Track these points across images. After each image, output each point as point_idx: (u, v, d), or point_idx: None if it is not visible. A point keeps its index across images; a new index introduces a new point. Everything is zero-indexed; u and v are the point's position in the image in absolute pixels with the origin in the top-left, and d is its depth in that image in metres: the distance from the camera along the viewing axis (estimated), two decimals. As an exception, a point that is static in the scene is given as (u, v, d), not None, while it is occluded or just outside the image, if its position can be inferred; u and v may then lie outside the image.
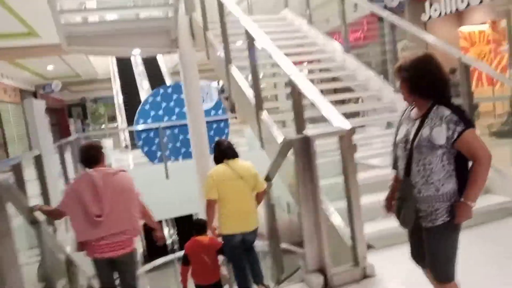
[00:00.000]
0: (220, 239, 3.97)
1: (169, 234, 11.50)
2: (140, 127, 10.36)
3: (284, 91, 7.01)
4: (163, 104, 10.59)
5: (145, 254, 9.78)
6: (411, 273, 2.47)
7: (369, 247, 3.11)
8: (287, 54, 4.22)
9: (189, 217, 9.48)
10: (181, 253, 5.47)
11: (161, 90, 10.83)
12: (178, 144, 10.35)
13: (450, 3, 9.30)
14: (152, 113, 10.52)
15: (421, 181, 2.12)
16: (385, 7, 9.22)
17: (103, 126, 25.86)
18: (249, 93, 4.73)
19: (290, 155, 3.17)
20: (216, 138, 4.21)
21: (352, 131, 2.92)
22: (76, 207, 3.13)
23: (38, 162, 4.78)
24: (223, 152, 3.87)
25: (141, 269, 7.60)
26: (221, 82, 17.40)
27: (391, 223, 2.47)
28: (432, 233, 2.13)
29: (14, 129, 15.73)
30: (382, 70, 5.96)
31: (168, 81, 14.78)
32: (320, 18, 8.33)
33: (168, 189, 8.33)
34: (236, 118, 14.40)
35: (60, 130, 23.47)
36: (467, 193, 2.05)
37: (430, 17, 9.88)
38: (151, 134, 10.18)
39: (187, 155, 9.78)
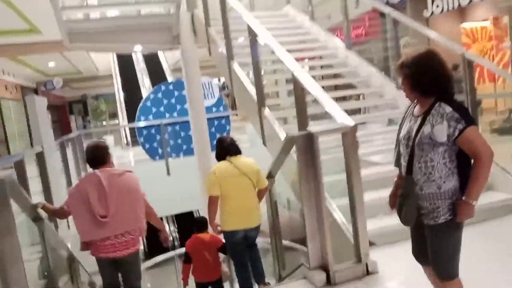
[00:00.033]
0: (222, 236, 3.98)
1: (169, 231, 11.51)
2: (142, 124, 10.37)
3: (285, 88, 7.01)
4: (165, 101, 10.58)
5: (146, 250, 9.79)
6: (413, 270, 2.47)
7: (370, 244, 3.11)
8: (289, 51, 4.21)
9: (190, 214, 9.50)
10: (181, 250, 5.48)
11: (163, 87, 10.82)
12: (179, 141, 10.35)
13: (453, -1, 9.28)
14: (154, 110, 10.52)
15: (422, 178, 2.11)
16: (387, 3, 9.18)
17: (104, 123, 25.86)
18: (251, 89, 4.72)
19: (293, 152, 3.16)
20: (218, 135, 4.21)
21: (356, 127, 2.91)
22: (81, 207, 3.13)
23: (40, 159, 4.79)
24: (226, 148, 3.87)
25: (141, 266, 7.61)
26: (221, 79, 17.42)
27: (392, 220, 2.46)
28: (434, 231, 2.12)
29: (15, 125, 15.75)
30: (384, 67, 5.94)
31: (169, 78, 14.76)
32: (322, 15, 8.31)
33: (169, 186, 8.34)
34: (236, 115, 14.39)
35: (61, 127, 23.50)
36: (468, 191, 2.04)
37: (432, 13, 9.84)
38: (153, 131, 10.18)
39: (188, 152, 9.79)
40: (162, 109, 10.56)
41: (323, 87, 3.56)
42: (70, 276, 4.17)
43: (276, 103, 6.41)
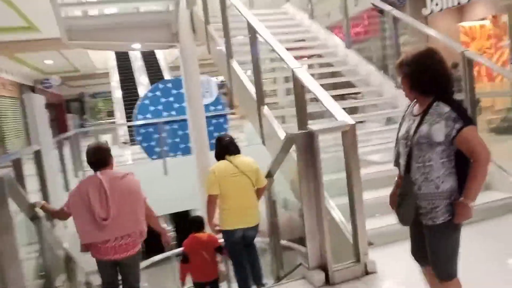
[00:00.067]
0: (220, 235, 3.96)
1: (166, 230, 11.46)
2: (139, 122, 10.33)
3: (283, 87, 6.99)
4: (163, 99, 10.55)
5: (143, 250, 9.77)
6: (412, 270, 2.46)
7: (369, 244, 3.10)
8: (288, 49, 4.19)
9: (186, 213, 9.48)
10: (178, 250, 5.46)
11: (161, 85, 10.80)
12: (177, 140, 10.33)
13: (452, -3, 9.27)
14: (152, 108, 10.49)
15: (421, 178, 2.10)
16: (386, 1, 9.16)
17: (102, 121, 25.79)
18: (251, 87, 4.70)
19: (292, 151, 3.14)
20: (216, 134, 4.20)
21: (355, 126, 2.89)
22: (81, 209, 3.11)
23: (38, 157, 4.75)
24: (225, 147, 3.86)
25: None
26: (219, 77, 17.37)
27: (390, 220, 2.45)
28: (432, 232, 2.12)
29: (12, 123, 15.69)
30: (383, 65, 5.92)
31: (167, 76, 14.72)
32: (321, 13, 8.28)
33: (166, 185, 8.31)
34: (234, 114, 14.36)
35: (58, 125, 23.39)
36: (466, 192, 2.03)
37: (431, 11, 9.84)
38: (150, 129, 10.15)
39: (186, 151, 9.76)
40: (160, 107, 10.53)
41: (321, 86, 3.54)
42: (67, 275, 4.15)
43: (275, 101, 6.39)
